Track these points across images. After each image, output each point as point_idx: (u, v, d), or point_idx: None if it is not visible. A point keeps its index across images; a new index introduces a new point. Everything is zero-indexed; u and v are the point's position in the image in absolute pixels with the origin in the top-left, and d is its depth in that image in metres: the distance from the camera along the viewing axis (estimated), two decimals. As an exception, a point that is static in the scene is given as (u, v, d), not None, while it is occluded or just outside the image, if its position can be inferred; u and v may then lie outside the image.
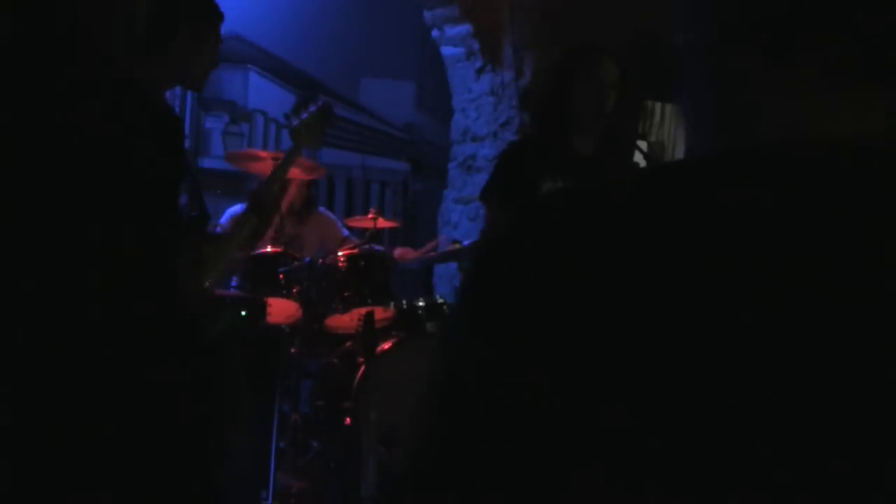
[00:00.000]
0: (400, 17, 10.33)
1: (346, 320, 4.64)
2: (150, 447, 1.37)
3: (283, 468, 4.33)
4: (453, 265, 5.91)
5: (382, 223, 5.14)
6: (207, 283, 2.61)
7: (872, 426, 0.55)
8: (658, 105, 7.27)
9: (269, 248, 4.55)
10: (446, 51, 6.52)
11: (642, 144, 4.93)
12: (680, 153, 7.06)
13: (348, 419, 4.35)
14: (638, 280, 0.60)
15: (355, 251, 4.64)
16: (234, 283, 4.51)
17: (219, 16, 2.69)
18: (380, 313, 4.60)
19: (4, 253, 1.30)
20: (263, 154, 4.81)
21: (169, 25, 2.60)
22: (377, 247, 4.90)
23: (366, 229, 5.19)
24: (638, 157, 6.30)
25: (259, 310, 4.32)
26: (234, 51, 10.14)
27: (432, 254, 5.59)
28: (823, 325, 0.57)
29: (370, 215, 5.07)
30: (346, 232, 5.34)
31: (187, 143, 8.00)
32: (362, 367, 4.41)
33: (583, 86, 2.92)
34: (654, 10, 5.86)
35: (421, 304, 4.86)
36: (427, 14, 6.41)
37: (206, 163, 8.46)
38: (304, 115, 3.00)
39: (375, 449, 3.21)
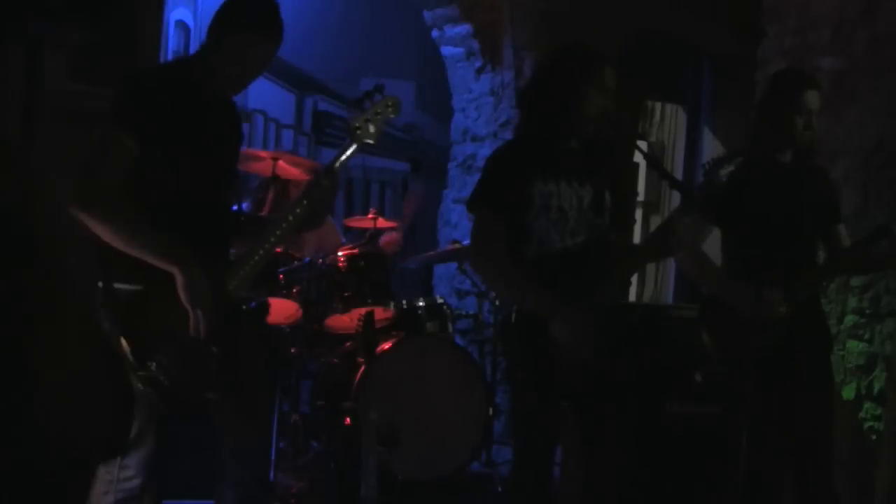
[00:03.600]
0: (400, 17, 10.33)
1: (346, 320, 4.64)
2: None
3: (283, 468, 4.33)
4: (453, 265, 5.90)
5: (382, 223, 5.13)
6: (243, 277, 2.61)
7: None
8: (658, 105, 7.27)
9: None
10: (446, 51, 6.52)
11: (642, 144, 4.92)
12: (680, 153, 7.06)
13: (348, 419, 4.34)
14: None
15: (355, 251, 4.63)
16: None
17: (275, 27, 2.71)
18: (380, 313, 4.60)
19: None
20: (263, 154, 4.81)
21: (216, 35, 2.66)
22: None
23: (366, 229, 5.19)
24: (638, 157, 6.30)
25: (259, 310, 4.31)
26: (234, 51, 10.08)
27: (431, 253, 5.59)
28: None
29: (370, 215, 5.06)
30: (343, 240, 5.35)
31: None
32: (362, 367, 4.41)
33: (592, 95, 2.92)
34: (654, 10, 5.86)
35: (421, 304, 4.86)
36: (427, 14, 6.41)
37: (206, 163, 8.44)
38: (368, 106, 2.73)
39: (375, 449, 3.21)
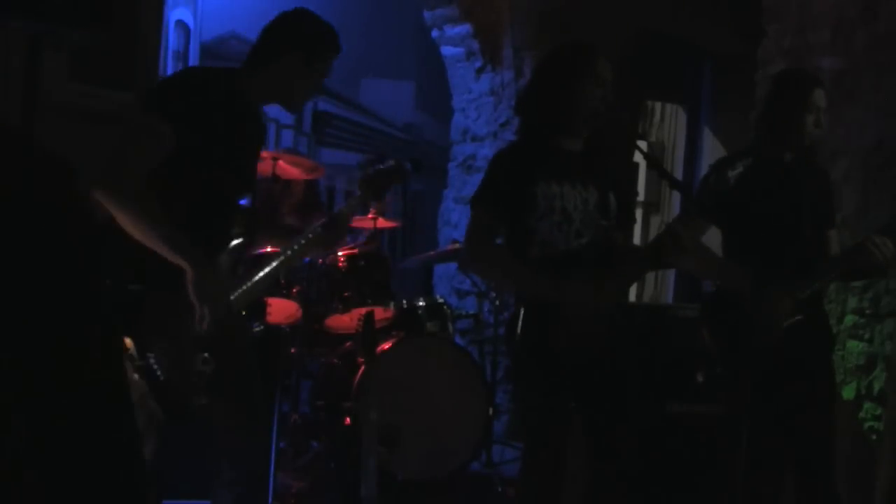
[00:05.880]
0: (400, 17, 10.32)
1: (346, 320, 4.63)
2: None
3: (283, 468, 4.32)
4: (453, 265, 5.91)
5: (382, 223, 5.13)
6: (245, 292, 2.71)
7: None
8: (658, 105, 7.27)
9: (268, 249, 4.55)
10: (446, 51, 6.52)
11: (642, 144, 4.92)
12: (680, 153, 7.06)
13: (348, 419, 4.34)
14: None
15: (355, 251, 4.63)
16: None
17: (333, 49, 2.87)
18: (380, 313, 4.60)
19: None
20: (264, 154, 4.80)
21: (274, 48, 2.73)
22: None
23: (366, 229, 5.19)
24: (638, 157, 6.30)
25: (259, 310, 4.32)
26: (234, 50, 10.13)
27: (431, 253, 5.59)
28: None
29: (370, 215, 5.06)
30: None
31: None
32: (362, 367, 4.41)
33: (589, 86, 2.92)
34: (655, 10, 5.86)
35: (421, 304, 4.85)
36: (427, 14, 6.41)
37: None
38: (379, 167, 3.02)
39: (375, 449, 3.21)
